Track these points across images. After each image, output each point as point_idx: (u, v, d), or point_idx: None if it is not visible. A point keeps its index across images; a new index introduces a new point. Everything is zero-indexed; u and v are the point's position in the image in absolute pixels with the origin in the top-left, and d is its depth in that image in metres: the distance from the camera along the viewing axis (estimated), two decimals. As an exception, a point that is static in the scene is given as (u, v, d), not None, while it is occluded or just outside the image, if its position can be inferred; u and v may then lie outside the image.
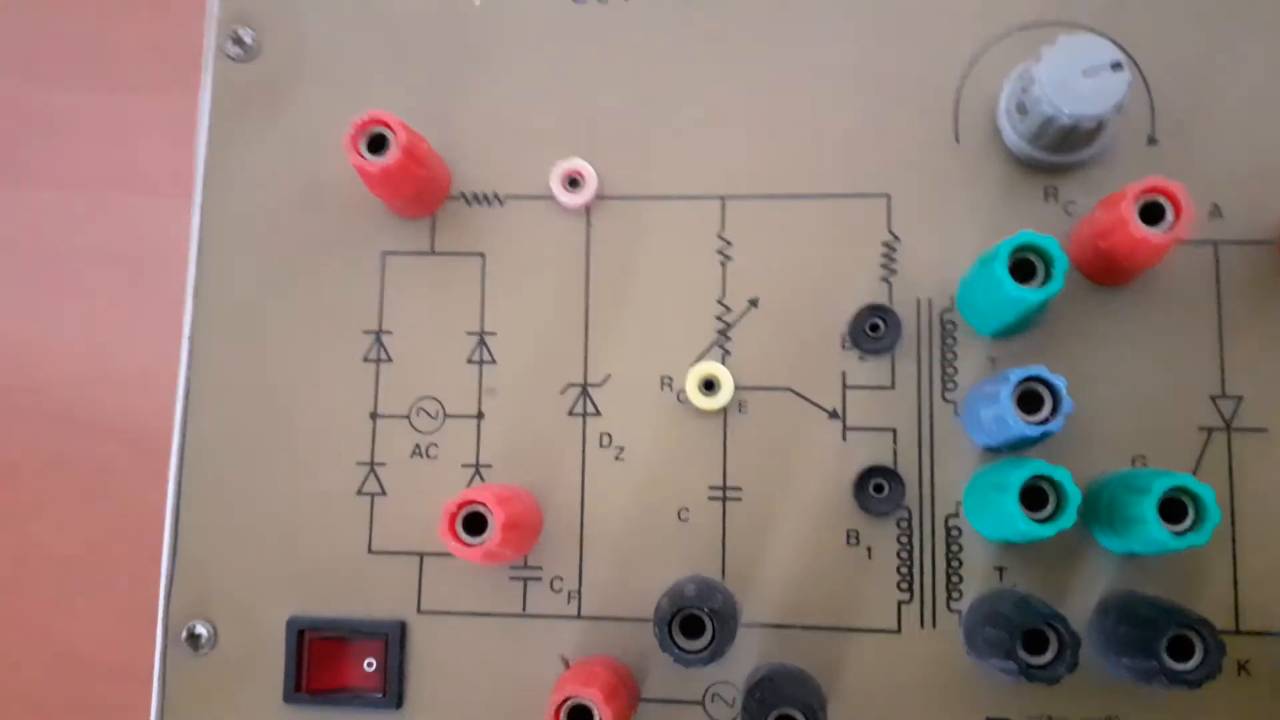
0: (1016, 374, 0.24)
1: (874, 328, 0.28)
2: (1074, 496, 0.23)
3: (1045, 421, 0.24)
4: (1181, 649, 0.23)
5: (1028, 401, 0.24)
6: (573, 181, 0.29)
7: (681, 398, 0.28)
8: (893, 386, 0.28)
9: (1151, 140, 0.28)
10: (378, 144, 0.26)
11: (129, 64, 0.51)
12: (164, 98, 0.51)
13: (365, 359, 0.29)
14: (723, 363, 0.28)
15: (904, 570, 0.27)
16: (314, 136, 0.30)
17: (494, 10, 0.30)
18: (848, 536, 0.28)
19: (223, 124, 0.30)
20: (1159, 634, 0.23)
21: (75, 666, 0.47)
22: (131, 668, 0.46)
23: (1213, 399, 0.27)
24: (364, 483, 0.29)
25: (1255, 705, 0.26)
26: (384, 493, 0.29)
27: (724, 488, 0.28)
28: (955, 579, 0.27)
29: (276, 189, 0.30)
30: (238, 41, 0.30)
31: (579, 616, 0.28)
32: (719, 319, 0.28)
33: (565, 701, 0.24)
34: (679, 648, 0.24)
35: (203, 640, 0.28)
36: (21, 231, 0.51)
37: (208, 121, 0.30)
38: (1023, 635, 0.24)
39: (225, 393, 0.29)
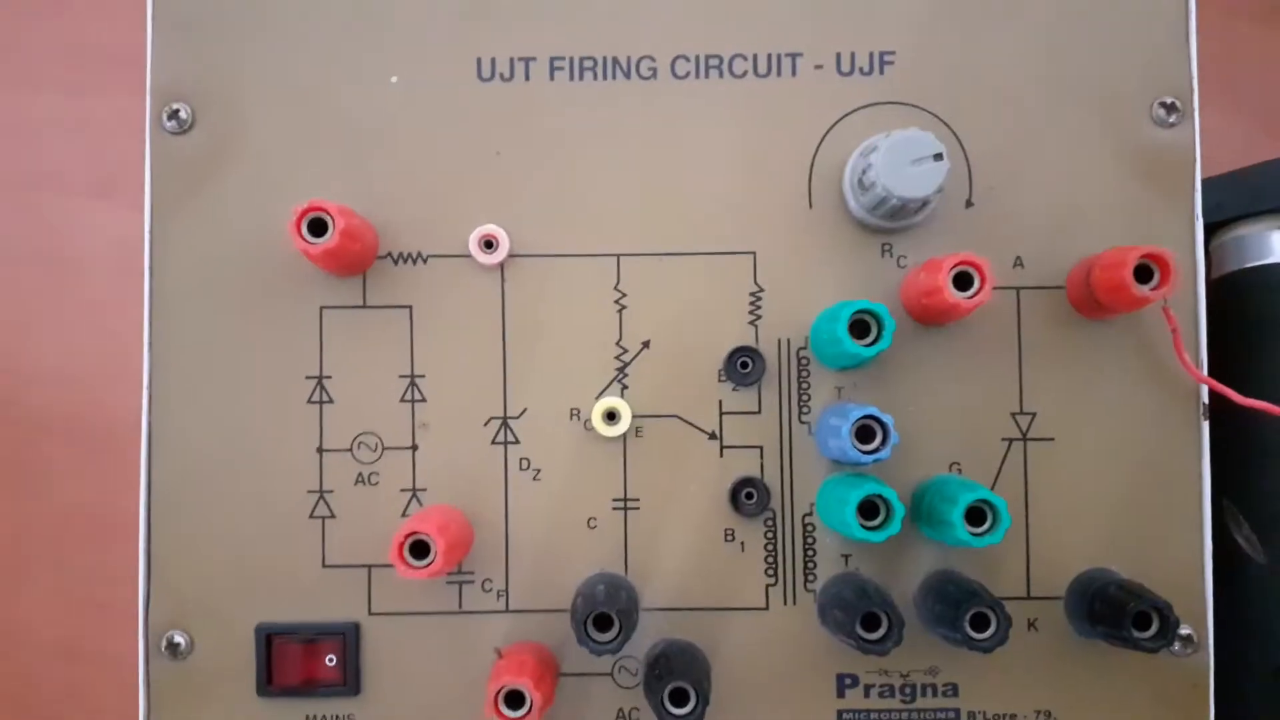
0: (855, 412, 0.30)
1: (744, 364, 0.33)
2: (899, 511, 0.30)
3: (876, 451, 0.30)
4: (979, 623, 0.30)
5: (864, 433, 0.30)
6: (488, 243, 0.33)
7: (588, 426, 0.33)
8: (759, 412, 0.33)
9: (969, 203, 0.34)
10: (318, 227, 0.30)
11: (39, 65, 0.52)
12: (74, 99, 0.52)
13: (309, 401, 0.33)
14: (621, 396, 0.33)
15: (770, 560, 0.33)
16: (253, 203, 0.33)
17: (410, 88, 0.33)
18: (725, 534, 0.33)
19: (165, 193, 0.33)
20: (963, 612, 0.30)
21: (23, 647, 0.51)
22: (79, 649, 0.50)
23: (1013, 415, 0.33)
24: (315, 508, 0.33)
25: (1042, 651, 0.33)
26: (333, 515, 0.33)
27: (625, 499, 0.33)
28: (811, 565, 0.33)
29: (220, 251, 0.33)
30: (173, 116, 0.33)
31: (507, 611, 0.33)
32: (617, 359, 0.33)
33: (502, 689, 0.30)
34: (593, 641, 0.30)
35: (181, 648, 0.33)
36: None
37: (150, 191, 0.33)
38: (861, 618, 0.30)
39: (186, 435, 0.33)
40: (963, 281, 0.30)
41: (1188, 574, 0.33)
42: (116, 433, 0.51)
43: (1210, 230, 0.37)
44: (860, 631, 0.30)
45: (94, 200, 0.52)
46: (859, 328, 0.30)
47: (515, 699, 0.30)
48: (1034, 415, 0.33)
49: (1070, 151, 0.34)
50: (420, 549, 0.30)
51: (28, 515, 0.51)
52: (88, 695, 0.50)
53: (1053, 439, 0.33)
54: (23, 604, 0.50)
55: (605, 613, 0.30)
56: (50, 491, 0.51)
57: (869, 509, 0.30)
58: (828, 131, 0.34)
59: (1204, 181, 0.34)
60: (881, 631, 0.30)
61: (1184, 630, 0.33)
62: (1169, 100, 0.34)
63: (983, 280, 0.30)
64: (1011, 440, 0.33)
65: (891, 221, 0.33)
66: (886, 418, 0.30)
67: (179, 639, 0.33)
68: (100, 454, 0.51)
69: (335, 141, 0.33)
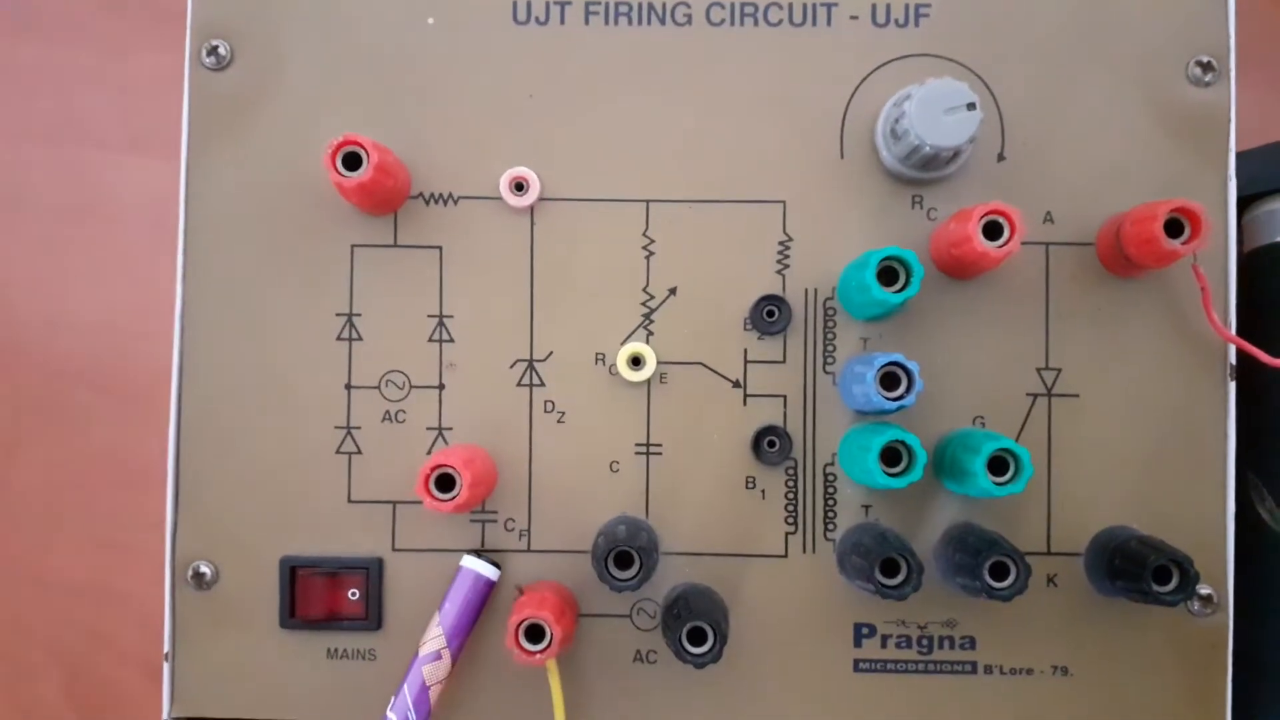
0: (880, 359, 0.30)
1: (770, 313, 0.33)
2: (921, 458, 0.30)
3: (901, 398, 0.30)
4: (999, 572, 0.30)
5: (889, 380, 0.30)
6: (518, 186, 0.33)
7: (613, 371, 0.33)
8: (784, 361, 0.34)
9: (1001, 157, 0.34)
10: (352, 161, 0.30)
11: (76, 18, 0.53)
12: (111, 54, 0.52)
13: (339, 338, 0.34)
14: (646, 342, 0.33)
15: (790, 508, 0.34)
16: (287, 141, 0.33)
17: (447, 29, 0.34)
18: (746, 482, 0.34)
19: (202, 128, 0.34)
20: (983, 561, 0.30)
21: (51, 589, 0.51)
22: (106, 593, 0.51)
23: (1038, 371, 0.33)
24: (342, 443, 0.34)
25: (1060, 607, 0.33)
26: (359, 451, 0.34)
27: (647, 444, 0.34)
28: (831, 515, 0.34)
29: (255, 188, 0.33)
30: (212, 52, 0.33)
31: (529, 550, 0.33)
32: (644, 305, 0.34)
33: (523, 622, 0.30)
34: (614, 578, 0.30)
35: (206, 578, 0.33)
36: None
37: (187, 127, 0.34)
38: (880, 563, 0.30)
39: (216, 368, 0.33)
40: (993, 231, 0.30)
41: (1210, 534, 0.33)
42: (147, 382, 0.52)
43: (1242, 205, 0.36)
44: (879, 577, 0.30)
45: (128, 154, 0.53)
46: (887, 275, 0.30)
47: (535, 633, 0.30)
48: (1059, 371, 0.33)
49: (1104, 108, 0.33)
50: (446, 482, 0.30)
51: (59, 462, 0.52)
52: (114, 639, 0.51)
53: (1077, 395, 0.33)
54: (53, 548, 0.51)
55: (626, 550, 0.30)
56: (81, 439, 0.52)
57: (891, 456, 0.30)
58: (861, 82, 0.34)
59: (1237, 155, 0.34)
60: (901, 577, 0.30)
61: (1204, 590, 0.33)
62: (1205, 59, 0.33)
63: (1013, 230, 0.30)
64: (1036, 396, 0.33)
65: (923, 172, 0.33)
66: (912, 365, 0.30)
67: (204, 569, 0.33)
68: (131, 402, 0.52)
69: (371, 81, 0.34)
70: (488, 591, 0.32)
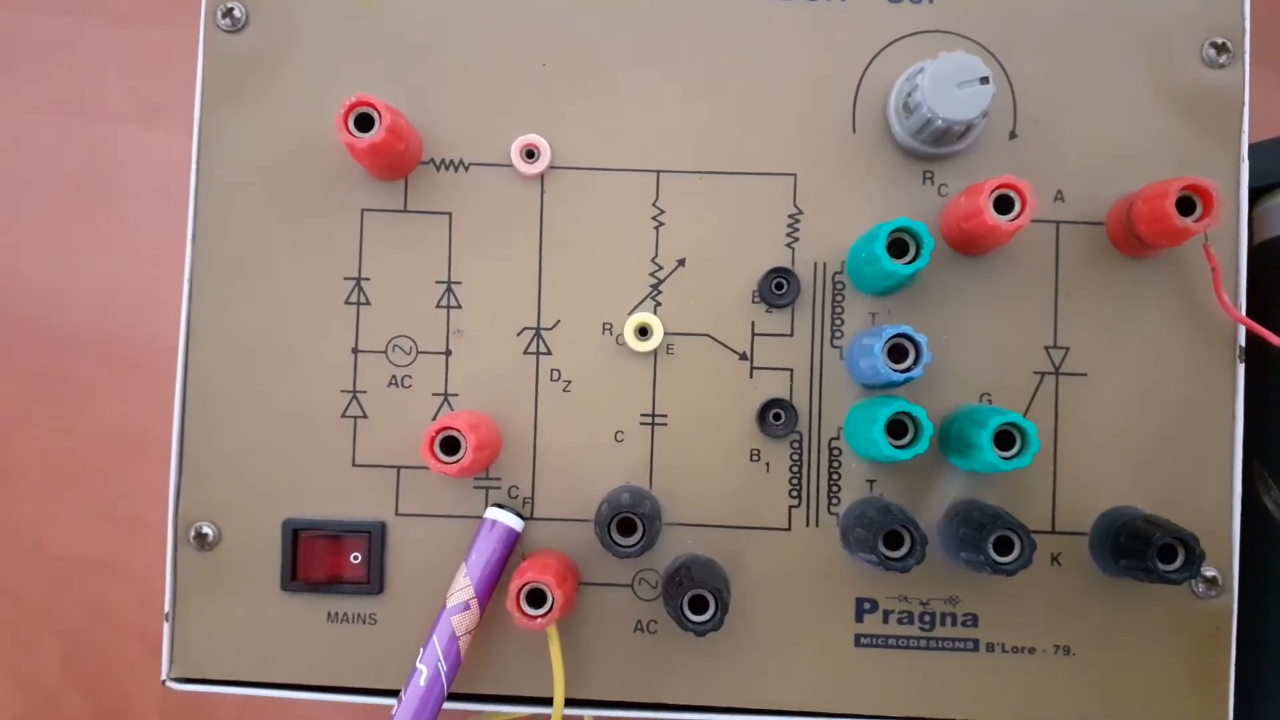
0: (888, 330, 0.30)
1: (778, 286, 0.33)
2: (927, 430, 0.30)
3: (909, 370, 0.30)
4: (1004, 546, 0.30)
5: (896, 352, 0.30)
6: (529, 153, 0.33)
7: (619, 341, 0.33)
8: (792, 334, 0.34)
9: (1013, 135, 0.34)
10: (365, 123, 0.30)
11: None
12: (123, 27, 0.52)
13: (347, 302, 0.34)
14: (654, 312, 0.33)
15: (794, 481, 0.34)
16: (300, 105, 0.33)
17: (461, -4, 0.34)
18: (751, 454, 0.34)
19: (216, 91, 0.34)
20: (987, 535, 0.30)
21: (51, 561, 0.51)
22: (104, 560, 0.51)
23: (1046, 349, 0.33)
24: (347, 407, 0.34)
25: (1064, 586, 0.33)
26: (365, 416, 0.34)
27: (653, 415, 0.34)
28: (835, 489, 0.33)
29: (266, 151, 0.34)
30: (227, 14, 0.33)
31: (532, 518, 0.33)
32: (652, 275, 0.34)
33: (524, 586, 0.30)
34: (616, 544, 0.30)
35: (209, 539, 0.33)
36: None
37: (201, 88, 0.34)
38: (884, 535, 0.30)
39: (224, 330, 0.33)
40: (1004, 205, 0.30)
41: (1215, 516, 0.33)
42: (152, 356, 0.52)
43: (1253, 197, 0.36)
44: (883, 549, 0.30)
45: (138, 128, 0.53)
46: (897, 247, 0.30)
47: (537, 598, 0.30)
48: (1067, 350, 0.33)
49: (1117, 88, 0.33)
50: (451, 445, 0.30)
51: (62, 434, 0.52)
52: (113, 610, 0.51)
53: (1085, 374, 0.33)
54: (54, 520, 0.51)
55: (629, 516, 0.30)
56: (85, 412, 0.52)
57: (897, 428, 0.30)
58: (874, 57, 0.33)
59: (1249, 147, 0.34)
60: (904, 549, 0.30)
61: (1209, 572, 0.33)
62: (1220, 40, 0.33)
63: (1024, 204, 0.30)
64: (1044, 374, 0.33)
65: (935, 147, 0.33)
66: (920, 336, 0.30)
67: (207, 530, 0.33)
68: (136, 376, 0.52)
69: (384, 47, 0.34)
70: (513, 542, 0.32)
